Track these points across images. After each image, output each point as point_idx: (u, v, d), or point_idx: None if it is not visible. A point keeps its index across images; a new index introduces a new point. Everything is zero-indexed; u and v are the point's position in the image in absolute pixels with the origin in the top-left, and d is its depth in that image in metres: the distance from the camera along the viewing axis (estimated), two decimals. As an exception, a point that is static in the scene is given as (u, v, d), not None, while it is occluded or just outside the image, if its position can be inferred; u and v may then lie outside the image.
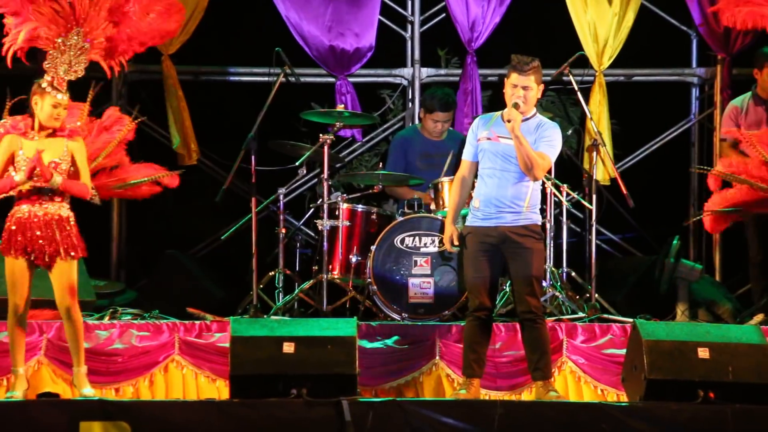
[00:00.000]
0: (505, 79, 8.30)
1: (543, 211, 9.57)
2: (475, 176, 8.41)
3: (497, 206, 8.25)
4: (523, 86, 8.22)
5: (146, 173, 9.25)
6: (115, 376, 8.85)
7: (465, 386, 8.32)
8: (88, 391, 8.16)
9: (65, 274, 8.09)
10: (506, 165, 8.23)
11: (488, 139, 8.27)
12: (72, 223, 8.13)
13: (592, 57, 10.90)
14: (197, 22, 10.76)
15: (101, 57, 8.97)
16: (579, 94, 10.31)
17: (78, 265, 8.23)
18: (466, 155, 8.41)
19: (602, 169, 10.46)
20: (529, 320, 8.27)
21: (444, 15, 11.25)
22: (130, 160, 9.29)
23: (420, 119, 10.49)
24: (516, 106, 8.17)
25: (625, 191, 9.98)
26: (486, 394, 8.76)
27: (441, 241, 9.18)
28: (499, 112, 8.34)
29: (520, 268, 8.25)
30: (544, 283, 9.50)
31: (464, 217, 8.45)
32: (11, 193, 8.10)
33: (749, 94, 10.09)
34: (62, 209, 8.11)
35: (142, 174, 9.21)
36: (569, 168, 10.78)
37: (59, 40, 8.38)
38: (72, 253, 8.10)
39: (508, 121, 8.13)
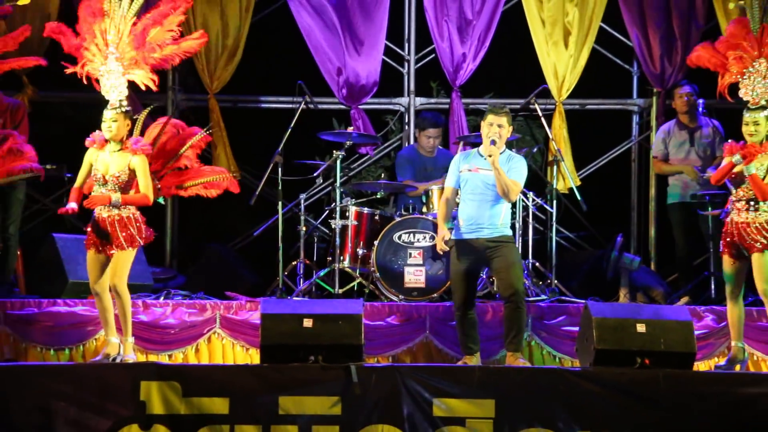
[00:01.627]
0: (482, 121, 8.35)
1: (513, 213, 9.65)
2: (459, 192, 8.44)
3: (478, 224, 8.29)
4: (498, 124, 8.26)
5: (211, 174, 8.55)
6: (168, 345, 8.83)
7: (465, 361, 8.33)
8: (130, 357, 8.11)
9: (117, 261, 8.05)
10: (485, 191, 8.29)
11: (469, 170, 8.33)
12: (136, 220, 8.07)
13: (553, 90, 10.84)
14: (236, 64, 10.82)
15: (141, 73, 8.30)
16: (543, 119, 10.26)
17: (138, 255, 8.21)
18: (450, 183, 8.43)
19: (561, 179, 10.44)
20: (512, 302, 8.25)
21: (433, 55, 11.23)
22: (200, 164, 8.62)
23: (416, 139, 10.49)
24: (493, 142, 8.22)
25: (579, 197, 9.96)
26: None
27: (432, 238, 9.22)
28: (476, 149, 8.42)
29: (503, 261, 8.26)
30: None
31: (450, 229, 8.43)
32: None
33: (674, 120, 10.10)
34: (124, 210, 8.06)
35: (208, 175, 8.54)
36: (534, 179, 10.75)
37: (101, 68, 8.19)
38: (130, 246, 8.05)
39: (489, 156, 8.18)
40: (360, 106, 10.99)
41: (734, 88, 8.42)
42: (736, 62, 8.31)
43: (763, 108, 8.17)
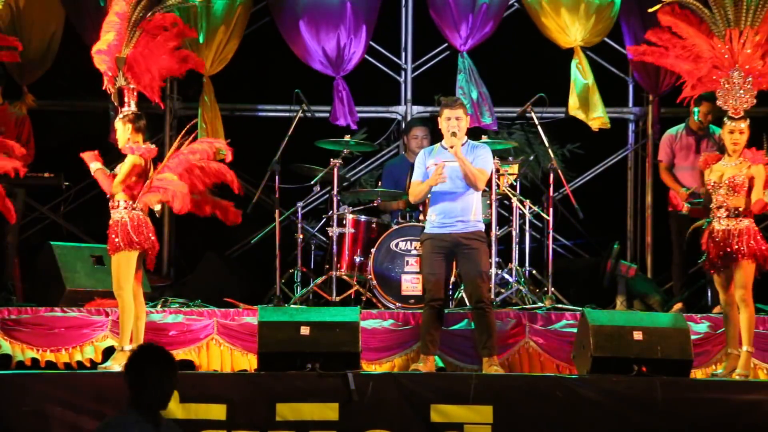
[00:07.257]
0: (438, 117, 8.38)
1: (510, 221, 9.65)
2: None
3: (450, 217, 8.28)
4: (456, 117, 8.28)
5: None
6: (167, 347, 8.70)
7: (423, 362, 8.31)
8: (115, 368, 8.01)
9: (112, 266, 8.09)
10: (454, 183, 8.28)
11: (436, 164, 8.30)
12: (125, 225, 8.03)
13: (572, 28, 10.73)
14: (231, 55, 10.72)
15: (144, 90, 8.56)
16: (540, 127, 10.18)
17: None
18: (417, 176, 8.41)
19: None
20: (480, 308, 8.27)
21: (430, 64, 11.27)
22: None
23: (405, 146, 10.43)
24: (454, 134, 8.23)
25: (575, 205, 9.91)
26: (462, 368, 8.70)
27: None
28: (438, 144, 8.40)
29: (471, 266, 8.25)
30: (508, 277, 9.49)
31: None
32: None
33: (683, 125, 9.98)
34: (115, 214, 8.10)
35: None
36: (532, 187, 10.81)
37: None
38: (113, 252, 8.07)
39: (452, 147, 8.19)
40: (357, 114, 10.96)
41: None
42: (711, 72, 8.37)
43: (744, 117, 8.25)
